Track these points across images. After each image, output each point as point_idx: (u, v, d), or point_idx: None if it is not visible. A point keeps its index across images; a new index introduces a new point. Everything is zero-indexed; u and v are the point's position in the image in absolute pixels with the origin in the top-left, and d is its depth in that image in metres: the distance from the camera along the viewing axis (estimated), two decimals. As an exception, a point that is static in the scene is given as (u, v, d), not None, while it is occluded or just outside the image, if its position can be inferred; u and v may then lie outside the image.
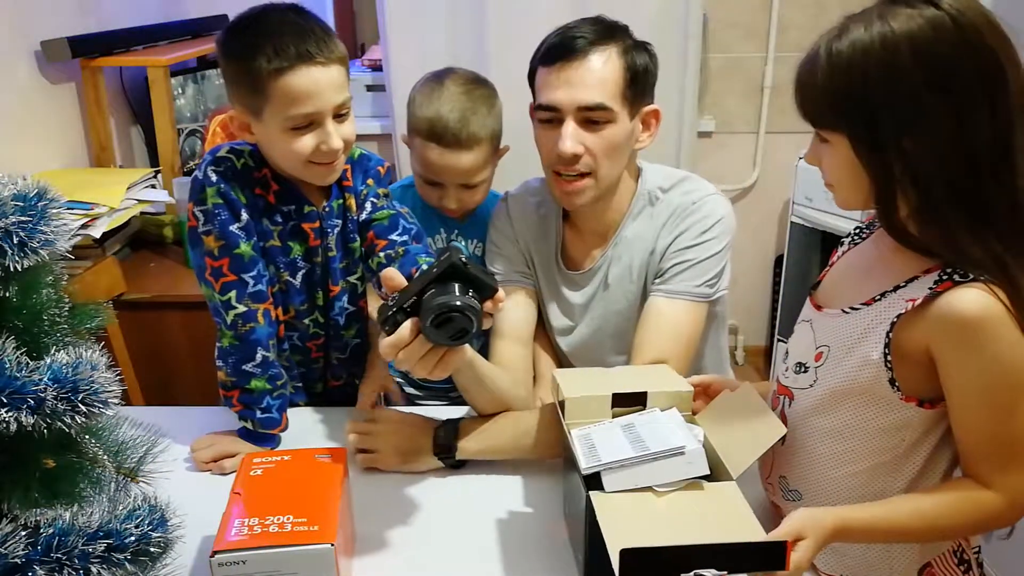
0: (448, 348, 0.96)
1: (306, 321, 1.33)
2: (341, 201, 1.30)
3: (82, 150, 2.17)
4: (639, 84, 1.27)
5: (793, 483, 1.05)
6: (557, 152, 1.25)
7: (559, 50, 1.24)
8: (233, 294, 1.21)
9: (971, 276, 0.86)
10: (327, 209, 1.28)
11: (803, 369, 1.02)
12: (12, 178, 0.69)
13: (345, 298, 1.34)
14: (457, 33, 2.42)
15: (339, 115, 1.18)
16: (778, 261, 2.96)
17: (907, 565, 1.00)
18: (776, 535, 0.86)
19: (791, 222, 2.68)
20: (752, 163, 2.89)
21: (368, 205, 1.32)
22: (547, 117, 1.27)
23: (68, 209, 0.72)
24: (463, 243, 1.55)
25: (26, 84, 1.96)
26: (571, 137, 1.23)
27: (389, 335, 0.95)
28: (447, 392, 1.58)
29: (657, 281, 1.32)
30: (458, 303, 0.91)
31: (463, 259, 0.94)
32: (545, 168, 1.32)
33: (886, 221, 0.92)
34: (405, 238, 1.29)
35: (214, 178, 1.20)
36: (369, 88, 2.70)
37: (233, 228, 1.20)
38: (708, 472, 0.96)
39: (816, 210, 2.54)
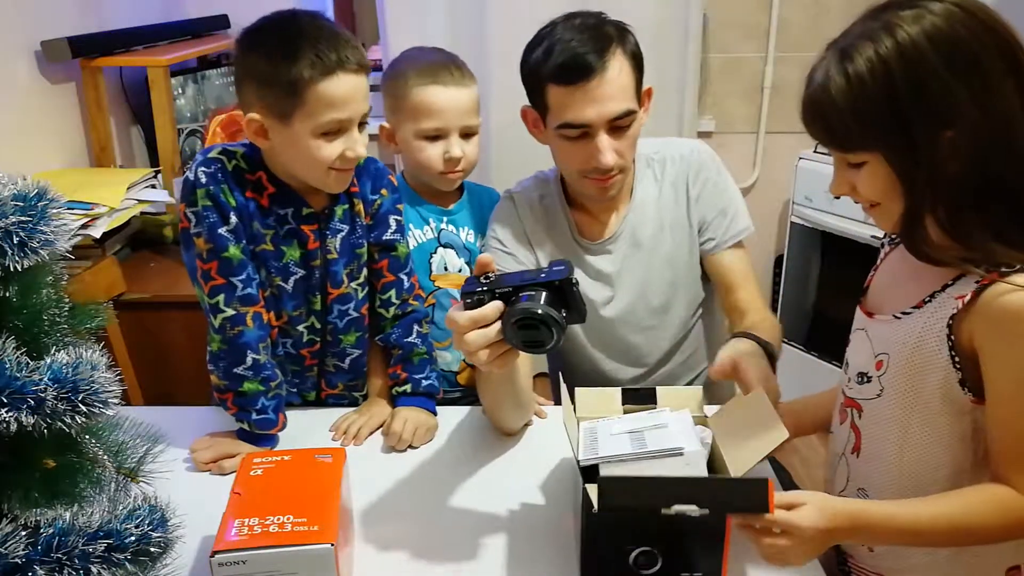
0: (511, 348, 0.96)
1: (300, 328, 1.32)
2: (348, 207, 1.30)
3: (82, 150, 2.16)
4: (641, 71, 1.32)
5: (873, 495, 1.03)
6: (595, 165, 1.30)
7: (576, 70, 1.24)
8: (221, 298, 1.22)
9: (1017, 266, 0.85)
10: (328, 212, 1.28)
11: (866, 379, 1.01)
12: (12, 178, 0.69)
13: (350, 304, 1.34)
14: (457, 33, 2.42)
15: (362, 123, 1.20)
16: (778, 261, 2.96)
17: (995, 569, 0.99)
18: (777, 499, 0.86)
19: (791, 222, 2.68)
20: (752, 163, 2.89)
21: (392, 223, 1.34)
22: (576, 134, 1.29)
23: (68, 209, 0.72)
24: (455, 231, 1.54)
25: (26, 84, 1.96)
26: (609, 150, 1.28)
27: (469, 309, 0.95)
28: (448, 399, 1.57)
29: (710, 236, 1.42)
30: (546, 314, 0.91)
31: (575, 280, 0.95)
32: (573, 172, 1.35)
33: (912, 230, 0.90)
34: (410, 284, 1.37)
35: (204, 179, 1.19)
36: (369, 88, 2.69)
37: (222, 231, 1.20)
38: (707, 475, 0.96)
39: (816, 210, 2.54)
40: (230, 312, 1.22)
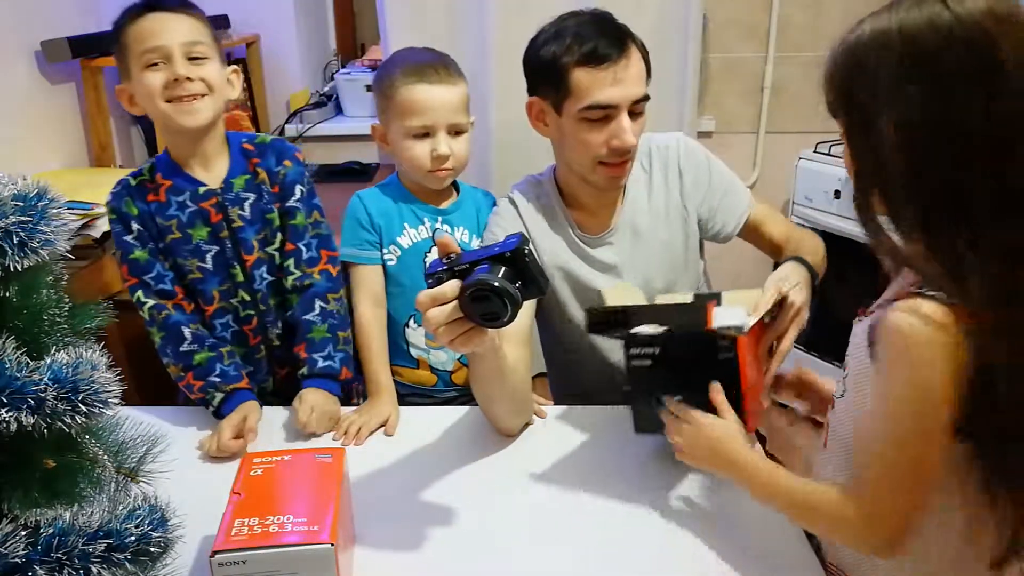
0: (475, 326, 0.97)
1: (233, 302, 1.38)
2: (249, 176, 1.37)
3: (82, 150, 2.17)
4: (648, 63, 1.36)
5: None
6: (615, 146, 1.32)
7: (606, 50, 1.29)
8: (140, 292, 1.35)
9: (932, 293, 0.84)
10: (226, 184, 1.36)
11: (842, 376, 1.03)
12: (12, 178, 0.69)
13: (264, 268, 1.39)
14: (457, 33, 2.42)
15: (192, 58, 1.28)
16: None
17: None
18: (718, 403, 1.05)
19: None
20: (752, 163, 2.89)
21: (297, 191, 1.40)
22: (599, 116, 1.31)
23: (68, 209, 0.72)
24: (450, 231, 1.54)
25: (26, 84, 1.96)
26: (630, 131, 1.32)
27: (430, 288, 0.97)
28: (435, 393, 1.58)
29: (726, 219, 1.50)
30: (499, 286, 0.93)
31: (528, 251, 0.96)
32: (587, 160, 1.36)
33: (860, 213, 0.91)
34: (312, 255, 1.40)
35: (110, 198, 1.36)
36: (369, 88, 2.69)
37: (126, 239, 1.34)
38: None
39: (816, 210, 2.54)
40: (152, 302, 1.34)
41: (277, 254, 1.40)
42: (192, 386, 1.31)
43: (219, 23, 2.59)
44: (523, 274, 0.96)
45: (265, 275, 1.40)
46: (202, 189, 1.34)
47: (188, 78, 1.27)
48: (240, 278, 1.38)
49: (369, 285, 1.49)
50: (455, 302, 0.96)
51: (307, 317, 1.38)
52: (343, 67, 2.92)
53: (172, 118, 1.29)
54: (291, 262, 1.39)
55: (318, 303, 1.38)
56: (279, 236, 1.40)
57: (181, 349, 1.32)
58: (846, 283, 2.58)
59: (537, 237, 1.45)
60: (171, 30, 1.27)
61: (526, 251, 0.96)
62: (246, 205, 1.36)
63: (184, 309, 1.35)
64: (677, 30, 2.44)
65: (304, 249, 1.40)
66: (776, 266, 1.38)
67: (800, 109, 2.82)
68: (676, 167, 1.47)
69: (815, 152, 2.56)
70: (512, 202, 1.48)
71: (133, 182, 1.35)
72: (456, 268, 0.97)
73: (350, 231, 1.51)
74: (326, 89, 2.89)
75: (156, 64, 1.27)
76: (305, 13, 2.82)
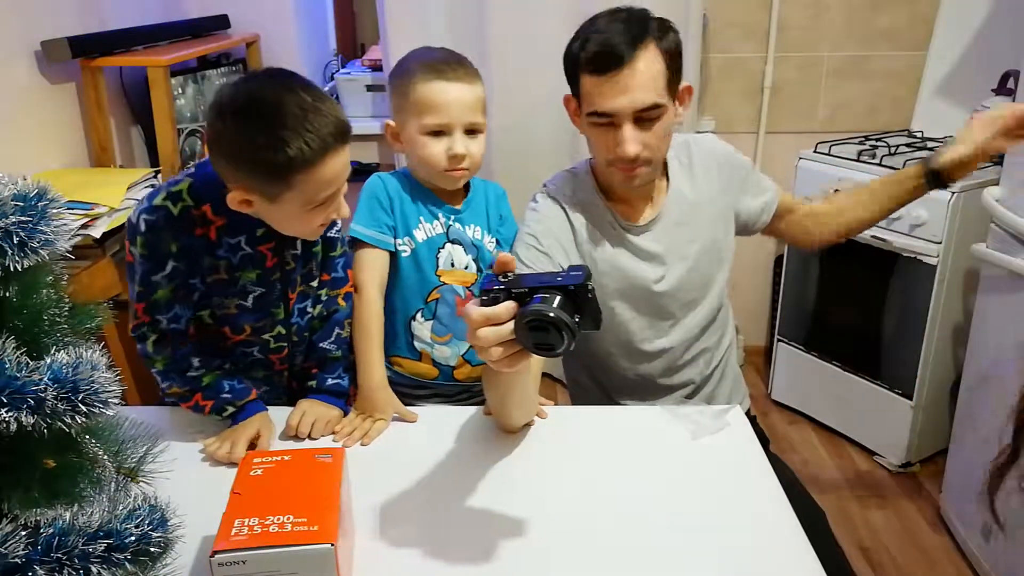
0: (522, 349, 0.96)
1: (266, 336, 1.35)
2: None
3: (82, 150, 2.16)
4: (676, 67, 1.35)
5: None
6: (617, 154, 1.33)
7: (607, 59, 1.28)
8: (146, 329, 1.28)
9: None
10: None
11: None
12: (12, 178, 0.69)
13: (308, 302, 1.38)
14: (457, 33, 2.42)
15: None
16: (778, 261, 2.96)
17: None
18: None
19: (791, 222, 2.68)
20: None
21: (338, 221, 1.36)
22: (604, 122, 1.33)
23: (68, 209, 0.72)
24: (462, 228, 1.52)
25: (26, 84, 1.96)
26: (632, 140, 1.32)
27: (485, 306, 0.95)
28: (434, 386, 1.57)
29: (766, 207, 1.60)
30: (559, 318, 0.91)
31: (592, 287, 0.95)
32: (600, 160, 1.40)
33: None
34: (338, 275, 1.40)
35: (142, 228, 1.21)
36: (369, 88, 2.70)
37: (155, 278, 1.23)
38: None
39: (816, 210, 2.54)
40: (159, 338, 1.28)
41: (316, 284, 1.39)
42: (202, 407, 1.28)
43: (219, 23, 2.59)
44: (581, 308, 0.95)
45: (308, 309, 1.39)
46: (260, 231, 1.26)
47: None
48: (281, 315, 1.35)
49: (379, 270, 1.46)
50: (509, 324, 0.94)
51: (323, 344, 1.39)
52: (343, 67, 2.93)
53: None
54: (323, 292, 1.39)
55: (336, 330, 1.39)
56: (319, 269, 1.39)
57: (189, 375, 1.29)
58: (844, 284, 2.59)
59: (580, 230, 1.46)
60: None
61: (590, 287, 0.95)
62: (297, 243, 1.32)
63: (190, 340, 1.30)
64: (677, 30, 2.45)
65: (333, 272, 1.39)
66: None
67: (800, 109, 2.83)
68: (715, 169, 1.52)
69: (815, 152, 2.56)
70: (552, 198, 1.47)
71: (175, 211, 1.20)
72: (514, 291, 0.95)
73: (369, 210, 1.47)
74: (326, 89, 2.90)
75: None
76: (305, 13, 2.82)
